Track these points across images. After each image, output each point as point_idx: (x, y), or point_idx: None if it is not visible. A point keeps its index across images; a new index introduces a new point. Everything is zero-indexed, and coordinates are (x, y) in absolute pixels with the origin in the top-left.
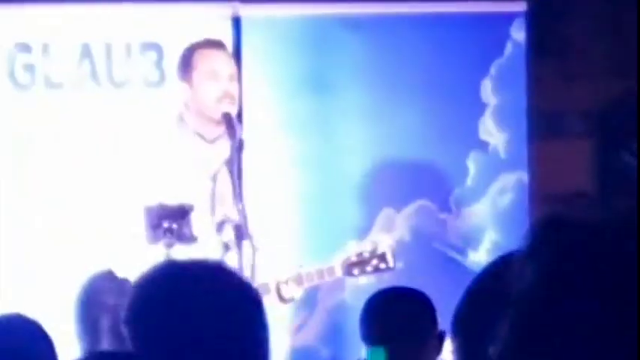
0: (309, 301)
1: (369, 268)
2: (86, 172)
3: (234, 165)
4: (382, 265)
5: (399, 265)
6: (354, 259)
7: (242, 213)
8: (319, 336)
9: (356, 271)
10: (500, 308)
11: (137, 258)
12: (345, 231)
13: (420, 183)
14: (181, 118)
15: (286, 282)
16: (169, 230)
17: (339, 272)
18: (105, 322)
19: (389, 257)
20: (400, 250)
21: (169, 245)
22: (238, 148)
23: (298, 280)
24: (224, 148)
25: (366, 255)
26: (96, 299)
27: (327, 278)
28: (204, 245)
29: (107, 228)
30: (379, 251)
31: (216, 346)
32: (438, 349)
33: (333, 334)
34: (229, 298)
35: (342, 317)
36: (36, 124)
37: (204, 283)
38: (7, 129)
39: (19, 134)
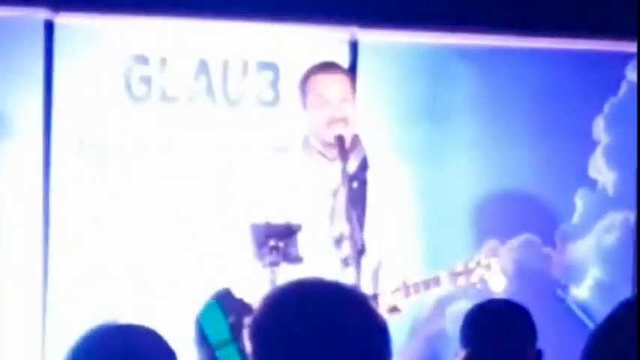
0: (410, 328)
1: (474, 278)
2: (197, 186)
3: (350, 183)
4: (487, 275)
5: (498, 288)
6: (459, 269)
7: (360, 230)
8: None
9: (461, 281)
10: (631, 354)
11: (244, 275)
12: (450, 259)
13: (526, 216)
14: (306, 139)
15: (393, 292)
16: (275, 249)
17: (444, 282)
18: None
19: (494, 267)
20: None
21: (275, 264)
22: (362, 166)
23: (405, 290)
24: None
25: (472, 265)
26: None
27: (433, 288)
28: (323, 260)
29: (215, 245)
30: (484, 262)
31: None
32: None
33: None
34: (357, 324)
35: (441, 345)
36: (150, 137)
37: (333, 307)
38: (122, 140)
39: (133, 146)
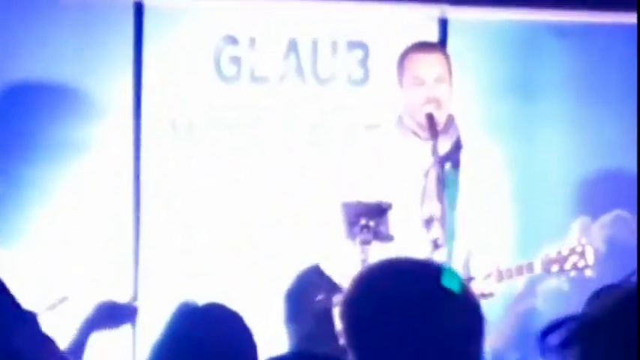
0: (502, 305)
1: (567, 266)
2: (288, 165)
3: (443, 163)
4: (581, 263)
5: (592, 274)
6: (553, 255)
7: (452, 212)
8: (509, 340)
9: (555, 268)
10: None
11: (334, 254)
12: (542, 236)
13: (618, 192)
14: (400, 118)
15: (486, 277)
16: (366, 227)
17: (538, 268)
18: (312, 315)
19: (588, 255)
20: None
21: (366, 242)
22: (456, 147)
23: (498, 275)
24: (439, 146)
25: (565, 252)
26: (305, 293)
27: (526, 274)
28: (412, 241)
29: (307, 224)
30: (578, 249)
31: (433, 353)
32: None
33: (523, 338)
34: (452, 303)
35: (532, 322)
36: (240, 117)
37: (427, 286)
38: (212, 120)
39: (224, 126)
